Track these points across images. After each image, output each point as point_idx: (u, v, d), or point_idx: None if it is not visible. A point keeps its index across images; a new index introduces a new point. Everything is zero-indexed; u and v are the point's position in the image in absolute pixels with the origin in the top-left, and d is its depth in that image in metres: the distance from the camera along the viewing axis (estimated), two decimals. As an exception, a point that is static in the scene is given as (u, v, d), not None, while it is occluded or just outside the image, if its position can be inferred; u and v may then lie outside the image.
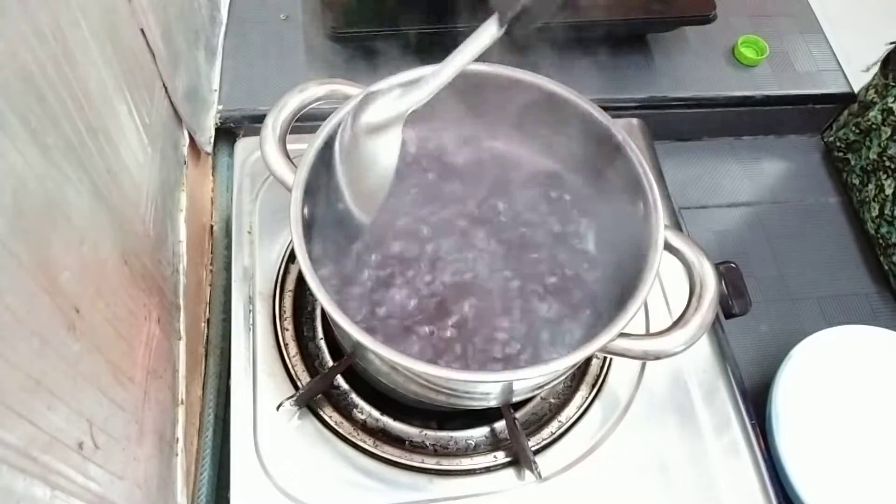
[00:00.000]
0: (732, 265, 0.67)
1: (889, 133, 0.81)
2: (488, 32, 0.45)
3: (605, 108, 0.56)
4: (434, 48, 0.84)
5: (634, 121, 0.81)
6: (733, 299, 0.65)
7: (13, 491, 0.33)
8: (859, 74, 0.92)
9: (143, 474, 0.51)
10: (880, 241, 0.84)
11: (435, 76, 0.47)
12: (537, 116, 0.59)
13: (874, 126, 0.84)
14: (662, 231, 0.51)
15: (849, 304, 0.84)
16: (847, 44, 0.66)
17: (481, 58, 0.58)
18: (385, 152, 0.49)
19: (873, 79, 0.87)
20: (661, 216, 0.51)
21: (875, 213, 0.84)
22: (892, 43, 0.82)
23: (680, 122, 0.92)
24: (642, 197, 0.53)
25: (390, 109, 0.48)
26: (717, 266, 0.52)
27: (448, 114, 0.62)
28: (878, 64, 0.86)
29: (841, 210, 0.91)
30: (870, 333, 0.72)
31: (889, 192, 0.81)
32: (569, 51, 0.91)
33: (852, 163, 0.88)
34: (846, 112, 0.92)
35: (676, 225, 0.75)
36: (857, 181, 0.88)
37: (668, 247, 0.51)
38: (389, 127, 0.48)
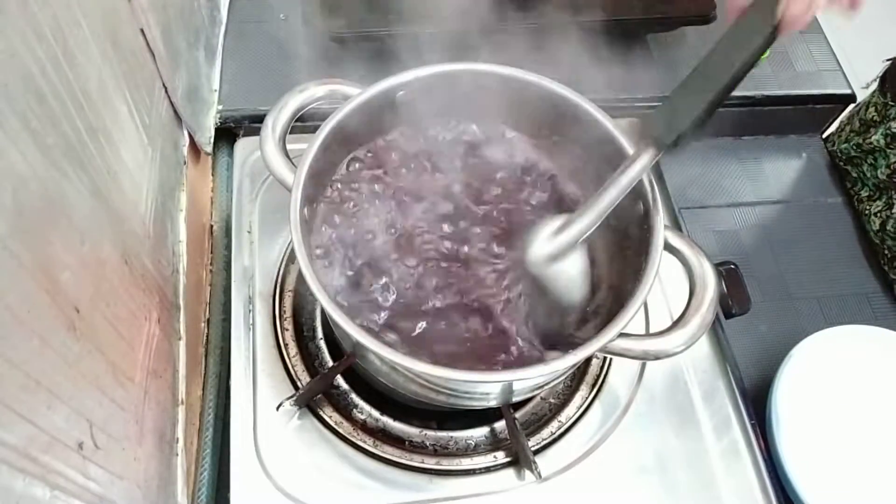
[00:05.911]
0: (732, 265, 0.67)
1: None
2: (644, 160, 0.48)
3: (606, 108, 0.56)
4: (433, 49, 0.85)
5: (635, 121, 0.81)
6: (733, 299, 0.65)
7: (13, 491, 0.33)
8: (859, 74, 0.92)
9: (143, 474, 0.51)
10: (886, 252, 0.84)
11: (592, 208, 0.49)
12: (537, 116, 0.59)
13: (878, 148, 0.84)
14: (662, 231, 0.51)
15: (849, 304, 0.84)
16: (847, 44, 0.66)
17: (479, 57, 0.58)
18: (570, 266, 0.52)
19: (873, 96, 0.86)
20: (661, 216, 0.51)
21: (877, 227, 0.85)
22: (888, 60, 0.82)
23: (680, 122, 0.92)
24: (642, 197, 0.53)
25: (554, 245, 0.51)
26: (717, 266, 0.52)
27: (448, 112, 0.62)
28: (877, 81, 0.86)
29: (841, 210, 0.91)
30: (870, 333, 0.72)
31: None
32: (569, 51, 0.91)
33: (865, 172, 0.87)
34: (847, 126, 0.91)
35: (676, 225, 0.75)
36: (864, 194, 0.88)
37: (668, 247, 0.51)
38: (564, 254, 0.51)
